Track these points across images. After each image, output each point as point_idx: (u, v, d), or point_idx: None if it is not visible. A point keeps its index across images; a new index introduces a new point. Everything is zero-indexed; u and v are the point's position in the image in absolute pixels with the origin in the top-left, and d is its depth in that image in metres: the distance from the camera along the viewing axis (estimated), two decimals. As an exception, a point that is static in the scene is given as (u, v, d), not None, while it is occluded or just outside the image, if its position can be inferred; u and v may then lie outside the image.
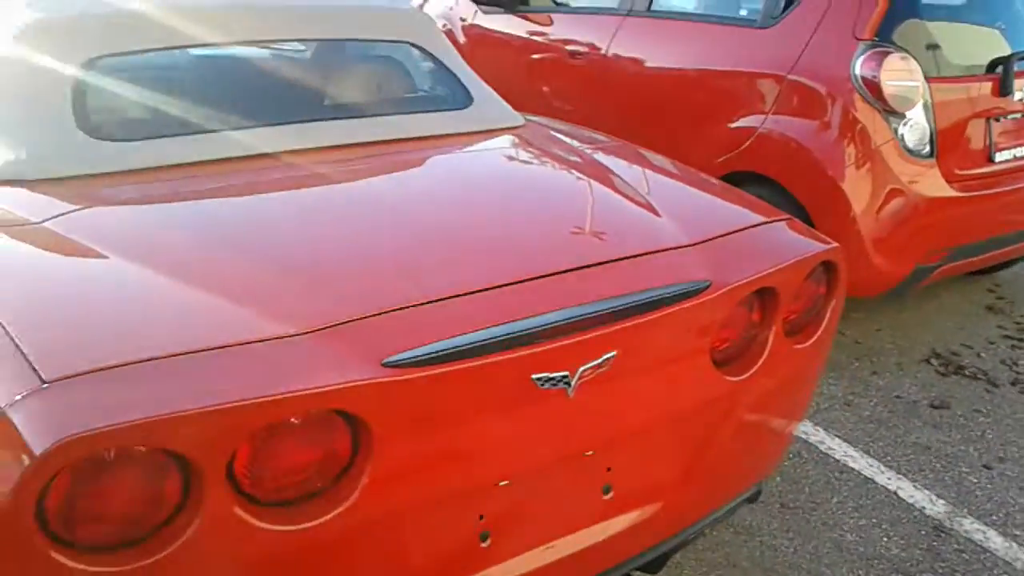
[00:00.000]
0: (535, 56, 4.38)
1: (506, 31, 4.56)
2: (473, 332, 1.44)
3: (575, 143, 2.46)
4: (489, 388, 1.46)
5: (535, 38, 4.42)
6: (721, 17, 3.71)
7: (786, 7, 3.47)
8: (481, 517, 1.58)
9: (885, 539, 2.57)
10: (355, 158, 2.10)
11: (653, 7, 3.94)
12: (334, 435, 1.37)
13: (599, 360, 1.56)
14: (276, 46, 2.59)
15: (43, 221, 1.72)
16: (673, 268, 1.73)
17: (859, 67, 3.21)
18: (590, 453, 1.67)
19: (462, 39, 4.88)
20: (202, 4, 2.31)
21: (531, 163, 2.23)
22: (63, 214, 1.74)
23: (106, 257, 1.59)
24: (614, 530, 1.75)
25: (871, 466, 2.88)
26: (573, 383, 1.54)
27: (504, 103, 2.56)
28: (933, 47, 3.42)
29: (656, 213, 1.95)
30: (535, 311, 1.51)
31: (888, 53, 3.20)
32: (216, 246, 1.64)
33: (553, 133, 2.51)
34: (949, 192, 3.32)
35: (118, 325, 1.38)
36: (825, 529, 2.59)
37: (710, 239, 1.86)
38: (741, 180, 3.53)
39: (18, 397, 1.22)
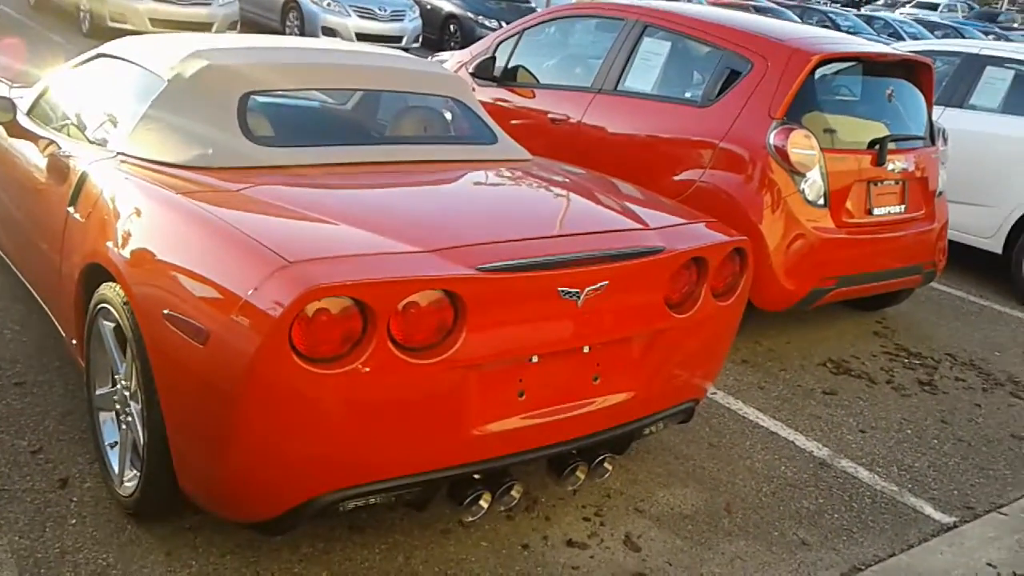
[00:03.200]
0: (521, 121, 5.45)
1: (497, 101, 5.64)
2: (524, 259, 2.42)
3: (571, 170, 3.50)
4: (532, 292, 2.44)
5: (522, 107, 5.50)
6: (671, 97, 4.84)
7: (720, 92, 4.60)
8: (520, 380, 2.53)
9: (783, 467, 3.56)
10: (424, 169, 3.09)
11: (619, 88, 5.05)
12: (444, 309, 2.33)
13: (597, 285, 2.54)
14: (366, 91, 3.59)
15: (238, 189, 2.68)
16: (642, 239, 2.74)
17: (772, 138, 4.33)
18: (587, 350, 2.65)
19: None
20: (317, 61, 3.32)
21: (546, 178, 3.27)
22: (248, 186, 2.70)
23: (286, 207, 2.55)
24: (600, 406, 2.71)
25: (775, 425, 3.89)
26: (581, 297, 2.52)
27: (518, 144, 3.59)
28: (828, 127, 4.57)
29: (630, 210, 2.98)
30: (561, 252, 2.50)
31: (793, 129, 4.32)
32: (356, 205, 2.61)
33: (554, 165, 3.55)
34: (838, 234, 4.43)
35: (318, 236, 2.35)
36: (739, 459, 3.57)
37: (665, 226, 2.89)
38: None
39: (270, 271, 2.16)
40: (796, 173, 4.33)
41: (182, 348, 2.30)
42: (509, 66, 5.72)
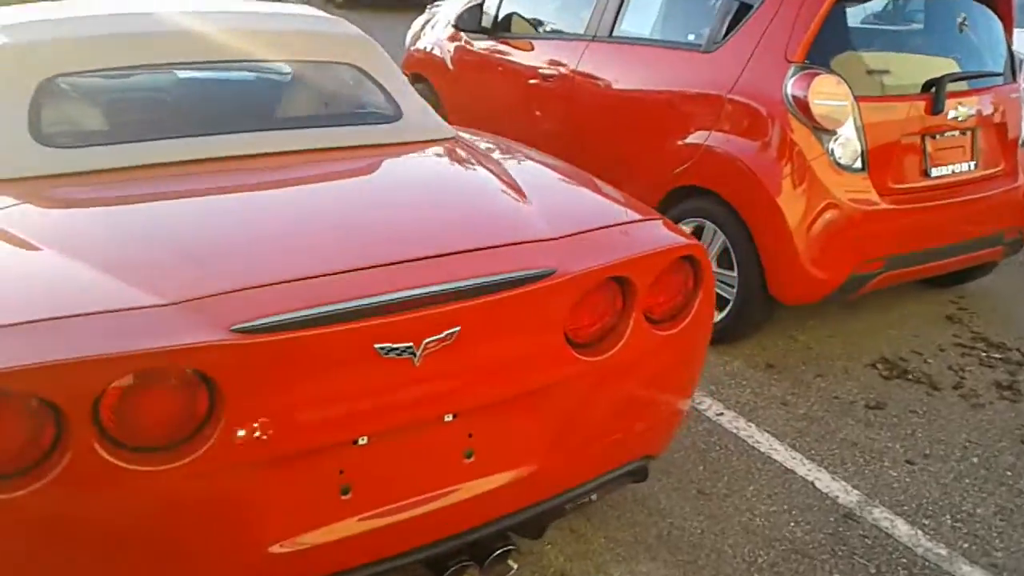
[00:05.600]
0: (516, 77, 4.63)
1: (492, 55, 4.83)
2: (314, 307, 1.67)
3: (495, 154, 2.68)
4: (330, 355, 1.69)
5: (516, 61, 4.68)
6: (672, 42, 3.93)
7: (727, 33, 3.68)
8: (341, 472, 1.80)
9: (792, 524, 2.72)
10: (269, 165, 2.34)
11: (614, 33, 4.17)
12: (194, 393, 1.61)
13: (443, 334, 1.78)
14: (222, 64, 2.82)
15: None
16: (525, 257, 1.94)
17: (790, 87, 3.40)
18: (449, 419, 1.89)
19: (451, 65, 5.17)
20: (149, 29, 2.59)
21: (439, 169, 2.48)
22: (3, 208, 2.02)
23: (28, 241, 1.86)
24: (478, 491, 1.95)
25: (793, 458, 3.03)
26: (419, 353, 1.76)
27: (436, 117, 2.80)
28: (870, 69, 3.59)
29: (533, 212, 2.17)
30: (378, 291, 1.74)
31: (817, 74, 3.38)
32: (116, 235, 1.90)
33: (476, 144, 2.73)
34: (882, 205, 3.48)
35: (25, 292, 1.65)
36: (736, 513, 2.75)
37: (574, 233, 2.08)
38: (691, 193, 3.73)
39: None
40: (822, 130, 3.40)
41: None
42: (500, 14, 4.89)
